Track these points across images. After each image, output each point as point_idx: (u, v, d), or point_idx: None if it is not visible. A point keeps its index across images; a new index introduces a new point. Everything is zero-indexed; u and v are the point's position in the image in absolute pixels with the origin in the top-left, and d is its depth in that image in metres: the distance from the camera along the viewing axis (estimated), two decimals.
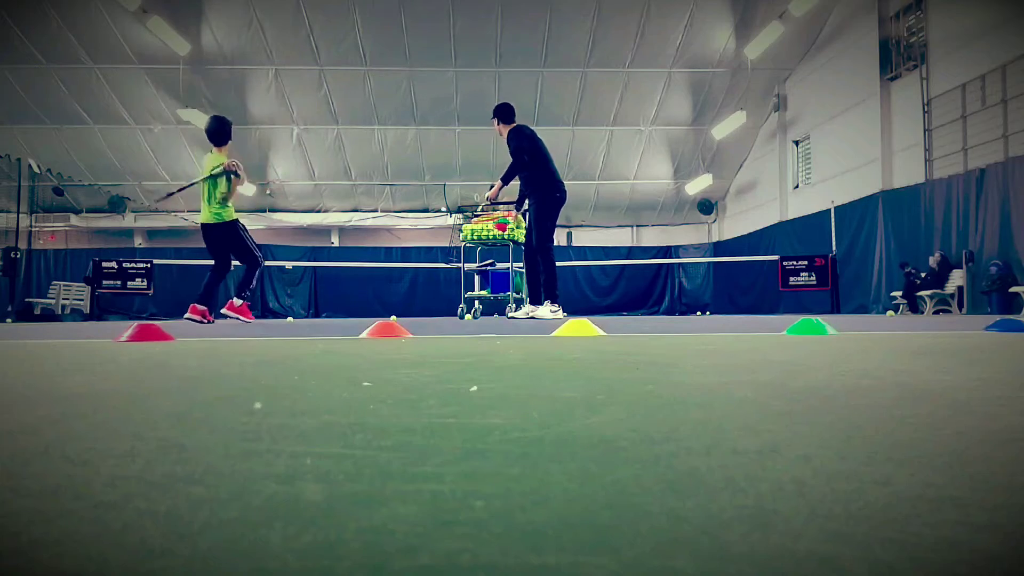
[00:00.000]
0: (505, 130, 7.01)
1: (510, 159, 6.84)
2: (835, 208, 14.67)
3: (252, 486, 0.49)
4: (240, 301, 6.51)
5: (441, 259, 18.47)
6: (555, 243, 7.05)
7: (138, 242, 21.51)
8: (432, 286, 19.19)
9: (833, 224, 14.56)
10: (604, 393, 1.04)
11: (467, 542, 0.36)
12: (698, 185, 19.69)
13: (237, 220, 6.48)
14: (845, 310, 14.22)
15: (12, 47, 15.88)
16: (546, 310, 6.65)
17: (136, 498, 0.46)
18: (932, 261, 12.06)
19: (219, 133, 6.39)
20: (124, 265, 14.14)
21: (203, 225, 6.44)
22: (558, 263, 7.03)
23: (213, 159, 6.34)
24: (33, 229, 18.38)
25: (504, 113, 7.06)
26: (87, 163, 19.23)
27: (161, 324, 3.92)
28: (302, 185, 20.37)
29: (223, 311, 6.52)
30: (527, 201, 7.23)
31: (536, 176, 6.83)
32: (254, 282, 6.59)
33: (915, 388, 1.09)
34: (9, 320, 13.13)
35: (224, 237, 6.41)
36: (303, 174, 19.99)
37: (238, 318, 6.50)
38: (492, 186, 7.17)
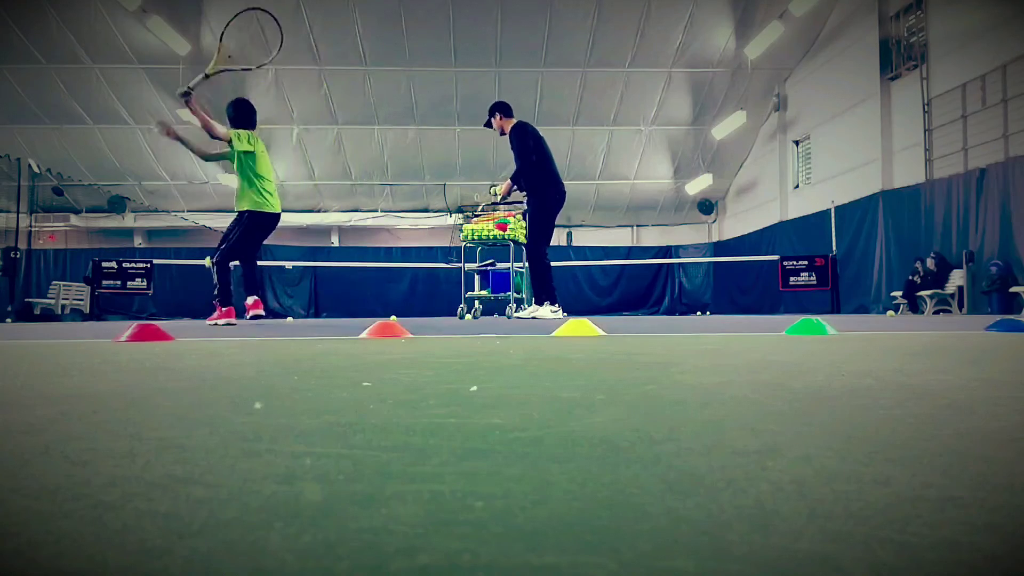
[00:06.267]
0: (508, 125, 6.90)
1: (512, 156, 6.78)
2: (835, 208, 14.66)
3: (252, 486, 0.49)
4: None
5: (441, 259, 18.47)
6: (554, 243, 7.00)
7: (138, 242, 21.51)
8: (432, 286, 19.19)
9: (833, 224, 14.55)
10: (604, 393, 1.04)
11: (467, 542, 0.36)
12: (698, 185, 19.69)
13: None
14: (845, 310, 14.21)
15: (12, 47, 15.87)
16: (547, 310, 6.65)
17: (136, 498, 0.46)
18: (930, 263, 12.04)
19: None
20: (124, 265, 14.15)
21: (275, 216, 6.33)
22: (557, 263, 6.99)
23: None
24: (33, 229, 18.37)
25: (505, 108, 7.00)
26: (87, 163, 19.23)
27: (161, 324, 3.92)
28: (302, 185, 20.36)
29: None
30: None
31: (537, 176, 6.67)
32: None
33: (915, 388, 1.09)
34: (9, 320, 13.13)
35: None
36: (303, 174, 19.98)
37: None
38: (493, 185, 7.17)
